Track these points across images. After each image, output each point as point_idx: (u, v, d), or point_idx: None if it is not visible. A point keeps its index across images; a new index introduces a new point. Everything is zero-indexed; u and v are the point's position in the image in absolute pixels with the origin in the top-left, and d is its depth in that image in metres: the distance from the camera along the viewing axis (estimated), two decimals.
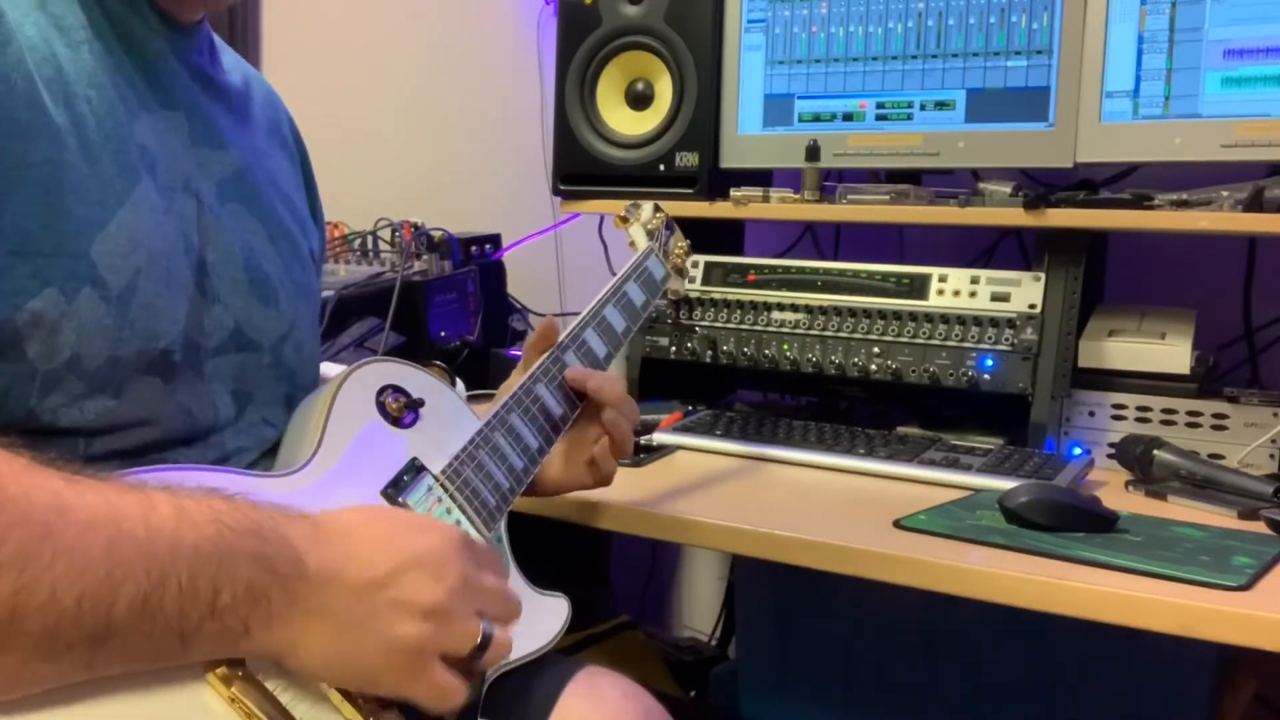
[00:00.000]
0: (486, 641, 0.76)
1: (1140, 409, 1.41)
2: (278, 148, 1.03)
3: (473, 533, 0.89)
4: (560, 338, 1.09)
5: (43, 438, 0.73)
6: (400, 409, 0.90)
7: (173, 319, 0.81)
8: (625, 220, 1.37)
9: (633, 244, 1.34)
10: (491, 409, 0.99)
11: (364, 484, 0.84)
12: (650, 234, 1.35)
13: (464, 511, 0.89)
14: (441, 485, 0.89)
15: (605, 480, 1.10)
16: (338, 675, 0.72)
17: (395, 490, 0.85)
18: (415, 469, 0.87)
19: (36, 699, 0.63)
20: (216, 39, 0.96)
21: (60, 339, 0.72)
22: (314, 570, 0.71)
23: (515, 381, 1.06)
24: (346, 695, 0.73)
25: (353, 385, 0.89)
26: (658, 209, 1.39)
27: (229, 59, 0.97)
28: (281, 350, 0.93)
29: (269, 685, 0.70)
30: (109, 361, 0.75)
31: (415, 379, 0.94)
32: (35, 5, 0.76)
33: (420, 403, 0.92)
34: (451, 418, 0.95)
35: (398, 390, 0.91)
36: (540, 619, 0.94)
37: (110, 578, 0.62)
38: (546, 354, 1.07)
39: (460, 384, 1.41)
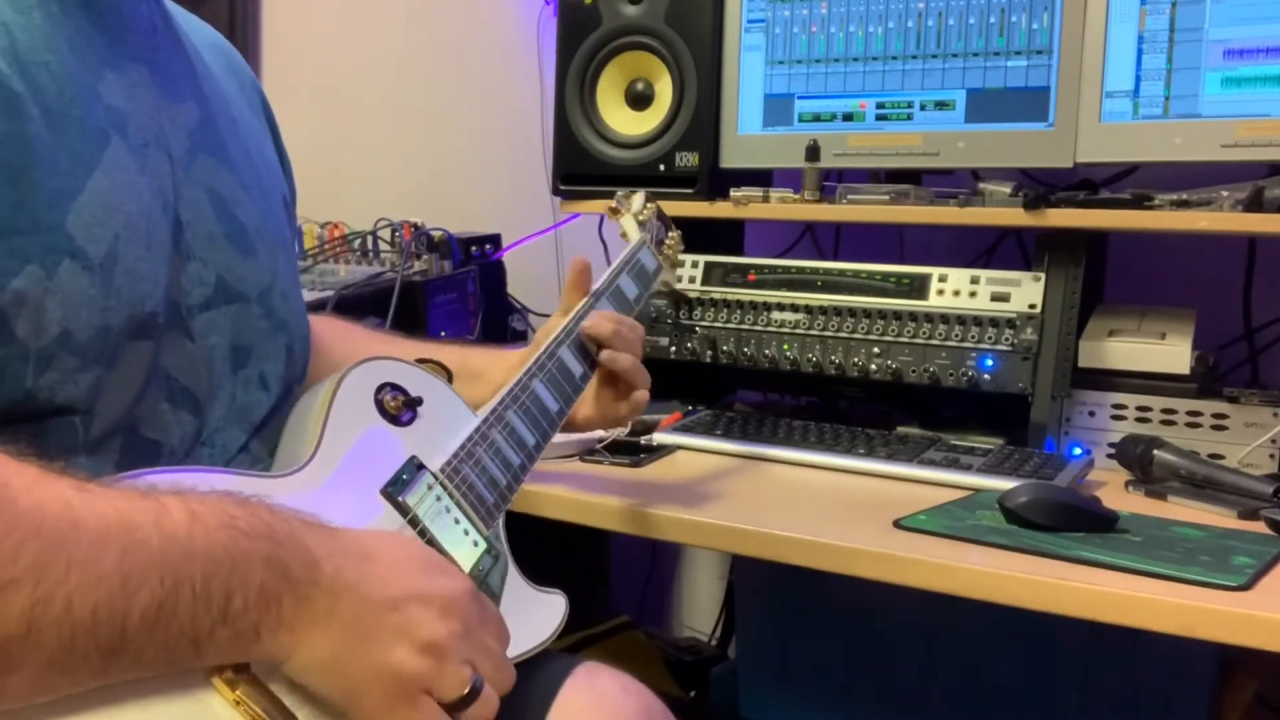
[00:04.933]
0: (474, 694, 0.75)
1: (1140, 409, 1.41)
2: (237, 94, 1.00)
3: (473, 532, 0.89)
4: (555, 333, 1.09)
5: (42, 420, 0.73)
6: (399, 407, 0.90)
7: (155, 281, 0.79)
8: (616, 211, 1.36)
9: (624, 235, 1.34)
10: (491, 403, 0.99)
11: (363, 484, 0.84)
12: (642, 224, 1.34)
13: (462, 509, 0.89)
14: (440, 483, 0.88)
15: (638, 407, 1.15)
16: (325, 685, 0.71)
17: (394, 489, 0.85)
18: (414, 467, 0.87)
19: (40, 706, 0.62)
20: None
21: (47, 315, 0.71)
22: (329, 577, 0.70)
23: (554, 326, 1.11)
24: None
25: (351, 384, 0.89)
26: (649, 199, 1.38)
27: (171, 6, 0.94)
28: (270, 300, 0.91)
29: (273, 688, 0.70)
30: (99, 332, 0.74)
31: (413, 377, 0.93)
32: None
33: (419, 401, 0.92)
34: (449, 415, 0.95)
35: (396, 388, 0.91)
36: (538, 615, 0.94)
37: (125, 587, 0.62)
38: (543, 349, 1.07)
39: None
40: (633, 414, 1.16)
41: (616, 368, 1.11)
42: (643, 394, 1.14)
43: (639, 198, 1.37)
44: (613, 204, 1.36)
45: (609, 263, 1.91)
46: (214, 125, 0.90)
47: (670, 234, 1.40)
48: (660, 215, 1.39)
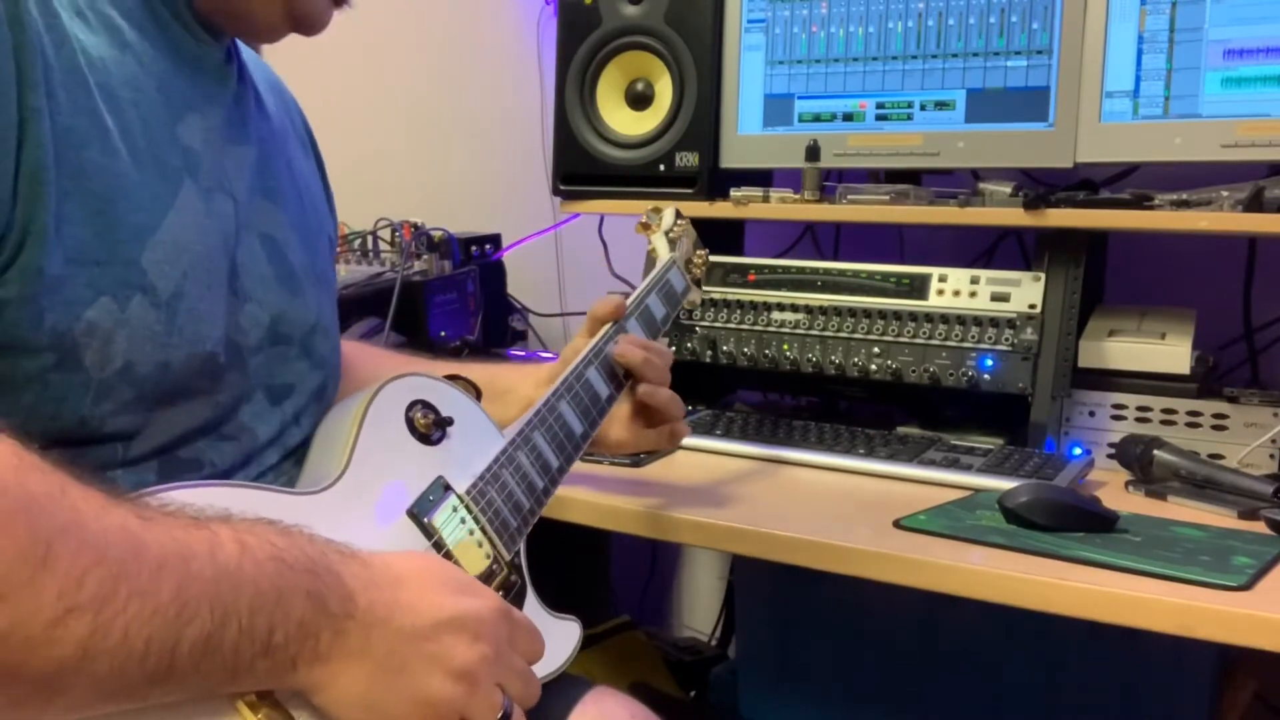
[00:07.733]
0: (507, 718, 0.76)
1: (1140, 409, 1.41)
2: (290, 134, 1.02)
3: (494, 556, 0.88)
4: (584, 353, 1.09)
5: (85, 445, 0.73)
6: (429, 426, 0.90)
7: (214, 321, 0.81)
8: (646, 227, 1.33)
9: (653, 251, 1.31)
10: (517, 424, 0.98)
11: (391, 503, 0.84)
12: (673, 242, 1.32)
13: (485, 533, 0.89)
14: (465, 506, 0.88)
15: (677, 438, 1.17)
16: (359, 718, 0.71)
17: (420, 510, 0.85)
18: (440, 488, 0.87)
19: None
20: None
21: (114, 348, 0.72)
22: (363, 610, 0.71)
23: (580, 346, 1.10)
24: None
25: (383, 401, 0.88)
26: (679, 216, 1.36)
27: (240, 46, 0.96)
28: (311, 341, 0.93)
29: (295, 713, 0.70)
30: (158, 368, 0.75)
31: (445, 395, 0.93)
32: (86, 3, 0.76)
33: (449, 421, 0.91)
34: (477, 435, 0.94)
35: (427, 406, 0.91)
36: (553, 641, 0.93)
37: (178, 619, 0.62)
38: (570, 369, 1.07)
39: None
40: (672, 444, 1.19)
41: (655, 402, 1.12)
42: (683, 427, 1.16)
43: (669, 213, 1.34)
44: (643, 219, 1.34)
45: (608, 263, 1.93)
46: (271, 167, 0.92)
47: (699, 252, 1.37)
48: (690, 233, 1.37)
